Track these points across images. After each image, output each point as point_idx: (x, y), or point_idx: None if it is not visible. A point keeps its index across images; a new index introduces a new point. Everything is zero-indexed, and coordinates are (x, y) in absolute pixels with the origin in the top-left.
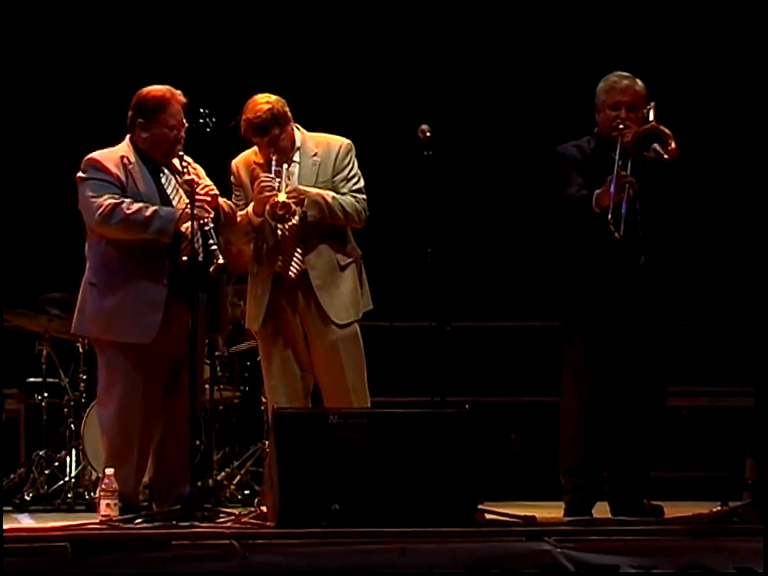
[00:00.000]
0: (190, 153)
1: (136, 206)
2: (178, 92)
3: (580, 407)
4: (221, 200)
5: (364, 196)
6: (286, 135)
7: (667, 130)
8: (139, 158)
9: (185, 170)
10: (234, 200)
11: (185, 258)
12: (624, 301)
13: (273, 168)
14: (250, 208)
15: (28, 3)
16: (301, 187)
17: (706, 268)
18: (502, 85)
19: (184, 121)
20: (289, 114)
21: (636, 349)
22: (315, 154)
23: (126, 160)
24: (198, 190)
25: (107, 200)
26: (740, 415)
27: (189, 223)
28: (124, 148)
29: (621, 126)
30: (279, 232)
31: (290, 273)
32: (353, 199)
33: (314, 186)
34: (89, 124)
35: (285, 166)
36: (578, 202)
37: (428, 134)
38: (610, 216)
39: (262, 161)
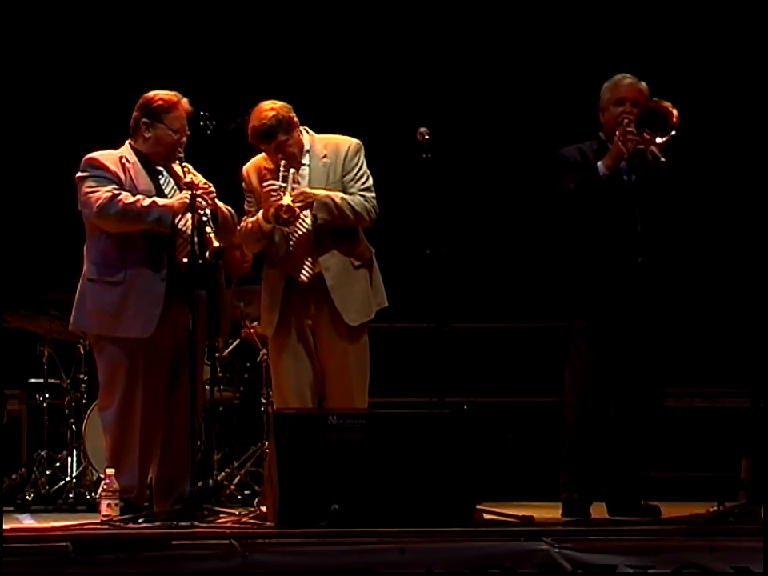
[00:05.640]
0: (191, 156)
1: (134, 197)
2: (185, 99)
3: (581, 408)
4: (220, 204)
5: (373, 194)
6: (294, 140)
7: (667, 103)
8: (138, 160)
9: (186, 177)
10: (246, 206)
11: (185, 260)
12: (622, 300)
13: (281, 173)
14: (260, 214)
15: (29, 8)
16: (308, 190)
17: (703, 269)
18: (499, 87)
19: (187, 129)
20: (295, 119)
21: (635, 348)
22: (325, 156)
23: (124, 160)
24: (197, 184)
25: (105, 192)
26: (735, 416)
27: (187, 221)
28: (123, 151)
29: (626, 121)
30: (292, 239)
31: (302, 277)
32: (361, 198)
33: (325, 188)
34: (89, 127)
35: (292, 170)
36: (581, 183)
37: (426, 137)
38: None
39: (272, 166)
